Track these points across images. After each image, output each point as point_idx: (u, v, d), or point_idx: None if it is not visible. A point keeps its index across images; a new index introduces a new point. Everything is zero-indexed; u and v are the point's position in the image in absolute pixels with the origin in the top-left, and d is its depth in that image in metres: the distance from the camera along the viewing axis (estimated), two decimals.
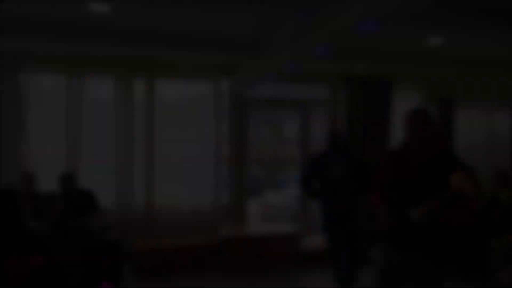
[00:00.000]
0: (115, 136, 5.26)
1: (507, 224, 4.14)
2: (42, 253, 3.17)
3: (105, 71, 5.22)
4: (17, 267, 2.87)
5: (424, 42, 4.56)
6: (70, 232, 3.80)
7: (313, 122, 6.42)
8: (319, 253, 4.90)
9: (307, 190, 4.13)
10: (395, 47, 4.91)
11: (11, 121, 5.05)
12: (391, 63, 5.33)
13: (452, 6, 3.35)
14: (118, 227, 5.09)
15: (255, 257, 4.88)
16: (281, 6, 3.15)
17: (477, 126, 7.12)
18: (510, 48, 4.56)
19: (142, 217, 5.31)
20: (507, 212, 4.34)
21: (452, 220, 2.34)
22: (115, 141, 5.27)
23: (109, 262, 3.72)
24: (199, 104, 5.62)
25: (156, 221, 5.35)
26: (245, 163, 5.93)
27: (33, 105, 4.99)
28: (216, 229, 5.19)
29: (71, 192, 4.46)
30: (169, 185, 5.53)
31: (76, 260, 3.77)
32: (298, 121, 6.40)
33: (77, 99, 5.08)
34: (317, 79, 6.18)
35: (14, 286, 2.91)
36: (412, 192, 2.36)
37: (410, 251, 2.45)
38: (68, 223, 3.84)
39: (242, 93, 5.84)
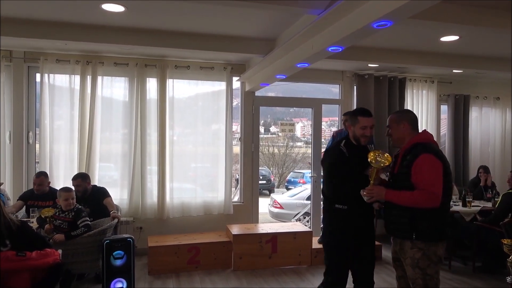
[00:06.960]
0: (128, 134, 5.32)
1: None
2: (58, 248, 3.23)
3: (119, 69, 5.27)
4: (36, 261, 2.93)
5: (438, 38, 4.50)
6: (86, 229, 3.86)
7: (325, 119, 6.39)
8: None
9: None
10: (408, 44, 4.86)
11: (27, 118, 5.15)
12: (404, 59, 5.29)
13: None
14: (130, 224, 5.17)
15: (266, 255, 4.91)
16: (294, 5, 3.14)
17: (490, 123, 7.04)
18: None
19: (154, 214, 5.37)
20: None
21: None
22: (128, 139, 5.32)
23: (122, 259, 3.76)
24: (211, 102, 5.64)
25: (168, 218, 5.41)
26: (257, 160, 5.96)
27: (48, 103, 5.05)
28: (228, 226, 5.23)
29: (86, 190, 4.53)
30: (181, 183, 5.57)
31: (91, 257, 3.84)
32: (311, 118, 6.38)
33: (91, 97, 5.13)
34: (329, 76, 6.16)
35: (33, 279, 2.97)
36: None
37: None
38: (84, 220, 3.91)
39: (255, 91, 5.86)
